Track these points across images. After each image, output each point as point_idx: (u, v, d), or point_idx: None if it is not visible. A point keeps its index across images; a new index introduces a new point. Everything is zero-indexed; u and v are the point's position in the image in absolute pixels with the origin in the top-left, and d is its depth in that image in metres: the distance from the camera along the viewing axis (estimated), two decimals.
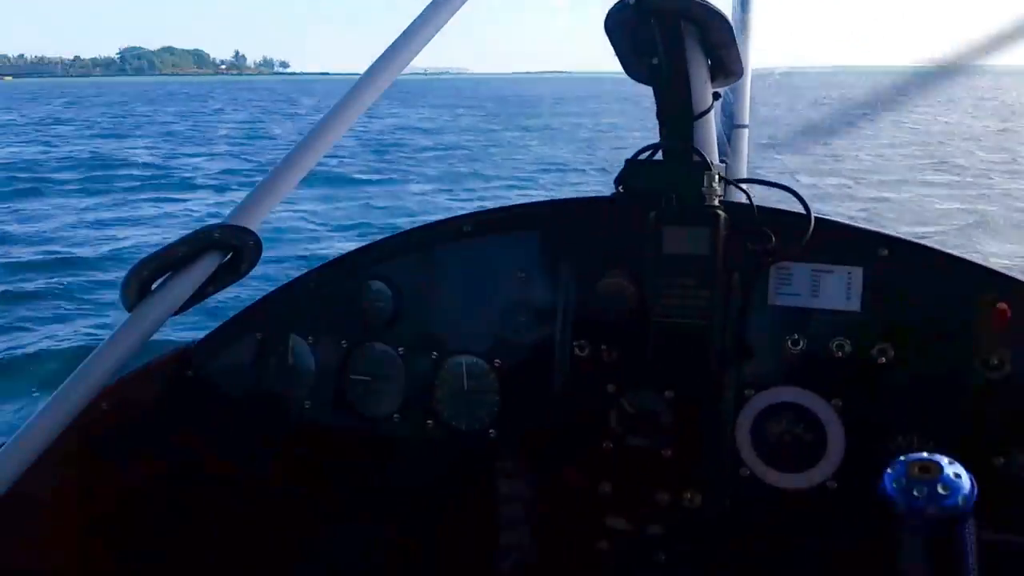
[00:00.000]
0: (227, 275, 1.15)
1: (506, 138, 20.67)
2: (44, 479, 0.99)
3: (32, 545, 1.10)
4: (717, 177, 1.04)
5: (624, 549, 1.08)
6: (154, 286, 1.10)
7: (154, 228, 9.48)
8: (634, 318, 1.07)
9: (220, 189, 12.87)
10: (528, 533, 1.32)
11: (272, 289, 1.30)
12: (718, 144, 1.26)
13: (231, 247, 1.09)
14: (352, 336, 1.24)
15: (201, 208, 11.07)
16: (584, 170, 13.34)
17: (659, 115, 1.12)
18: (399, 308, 1.21)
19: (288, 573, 1.29)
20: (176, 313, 1.11)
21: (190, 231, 1.11)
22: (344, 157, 15.00)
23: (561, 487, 1.11)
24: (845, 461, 0.99)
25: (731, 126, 1.57)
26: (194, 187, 13.16)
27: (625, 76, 1.13)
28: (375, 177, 13.39)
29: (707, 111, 1.09)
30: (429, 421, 1.20)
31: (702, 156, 1.04)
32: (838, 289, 1.00)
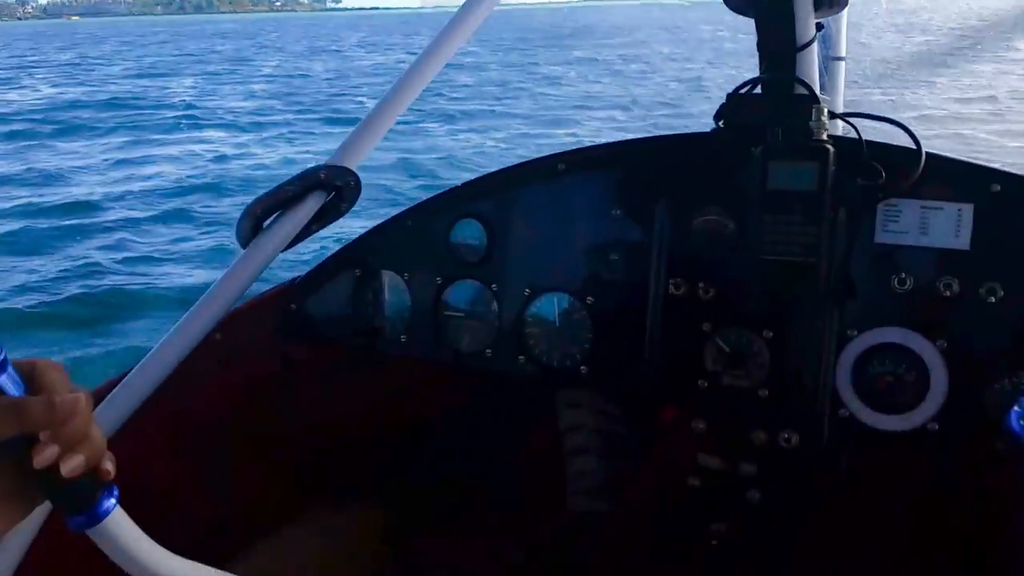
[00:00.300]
0: (330, 213, 1.19)
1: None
2: (167, 404, 1.06)
3: (156, 464, 1.17)
4: (824, 110, 1.01)
5: (716, 487, 1.08)
6: (266, 223, 1.14)
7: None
8: (733, 256, 1.06)
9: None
10: (618, 468, 1.35)
11: (369, 227, 1.33)
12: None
13: (334, 187, 1.12)
14: (446, 272, 1.26)
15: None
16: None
17: (760, 47, 1.09)
18: (492, 245, 1.22)
19: (382, 501, 1.34)
20: (285, 249, 1.17)
21: (298, 171, 1.14)
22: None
23: (653, 424, 1.12)
24: (947, 403, 0.97)
25: (828, 58, 1.52)
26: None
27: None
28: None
29: (810, 42, 1.06)
30: (520, 357, 1.22)
31: (808, 88, 1.00)
32: (947, 226, 0.97)
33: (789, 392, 1.05)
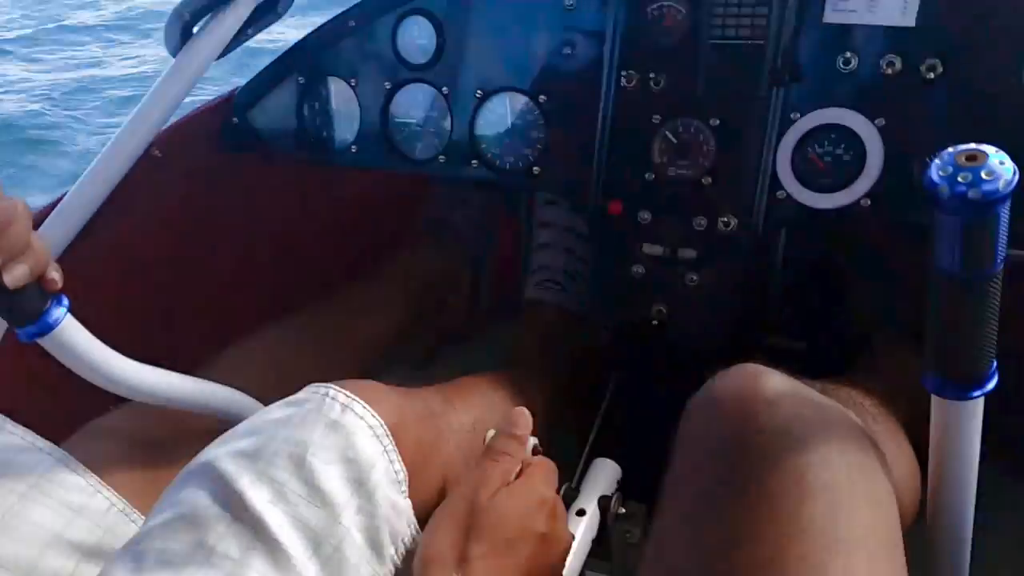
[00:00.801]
0: (266, 15, 1.14)
1: None
2: (108, 224, 1.06)
3: (104, 285, 1.18)
4: None
5: (659, 272, 1.13)
6: (195, 29, 1.10)
7: None
8: (685, 43, 1.05)
9: None
10: (566, 258, 1.40)
11: (310, 31, 1.28)
12: None
13: None
14: (394, 77, 1.23)
15: None
16: None
17: None
18: (442, 45, 1.19)
19: (341, 308, 1.38)
20: (218, 57, 1.13)
21: None
22: None
23: (602, 216, 1.15)
24: (880, 180, 1.00)
25: None
26: None
27: None
28: None
29: None
30: (474, 161, 1.22)
31: None
32: (895, 2, 0.97)
33: (731, 178, 1.07)
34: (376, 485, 0.69)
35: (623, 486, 0.95)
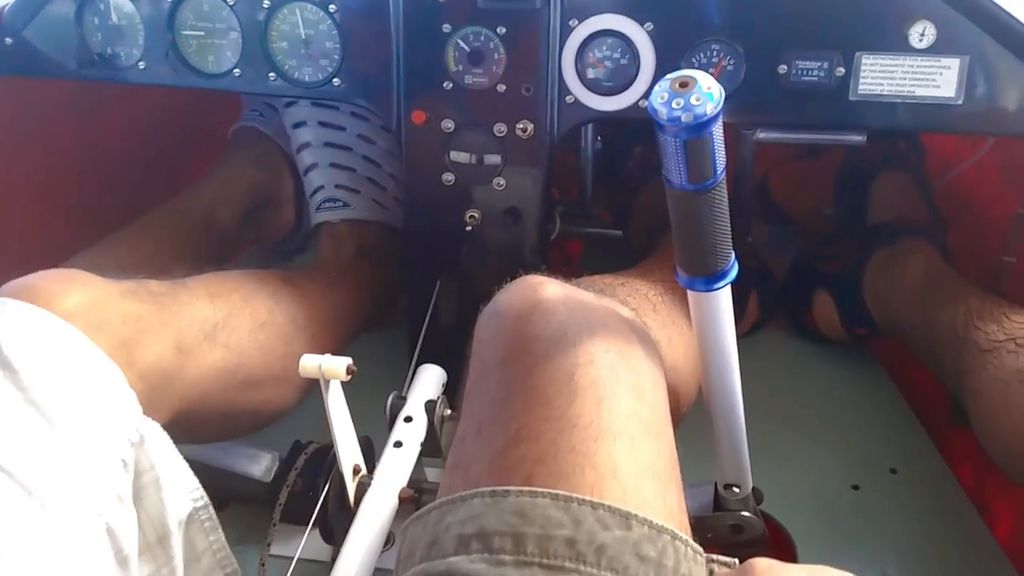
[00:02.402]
0: None
1: None
2: None
3: None
4: None
5: (468, 178, 1.17)
6: None
7: None
8: None
9: None
10: (335, 173, 1.43)
11: None
12: None
13: None
14: None
15: None
16: None
17: None
18: None
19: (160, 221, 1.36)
20: None
21: None
22: None
23: (408, 128, 1.16)
24: (654, 80, 1.06)
25: None
26: None
27: None
28: None
29: None
30: (271, 75, 1.20)
31: None
32: None
33: (523, 85, 1.11)
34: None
35: (448, 388, 1.01)
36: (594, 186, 1.50)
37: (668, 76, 0.59)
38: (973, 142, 1.38)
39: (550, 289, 0.72)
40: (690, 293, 0.72)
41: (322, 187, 1.44)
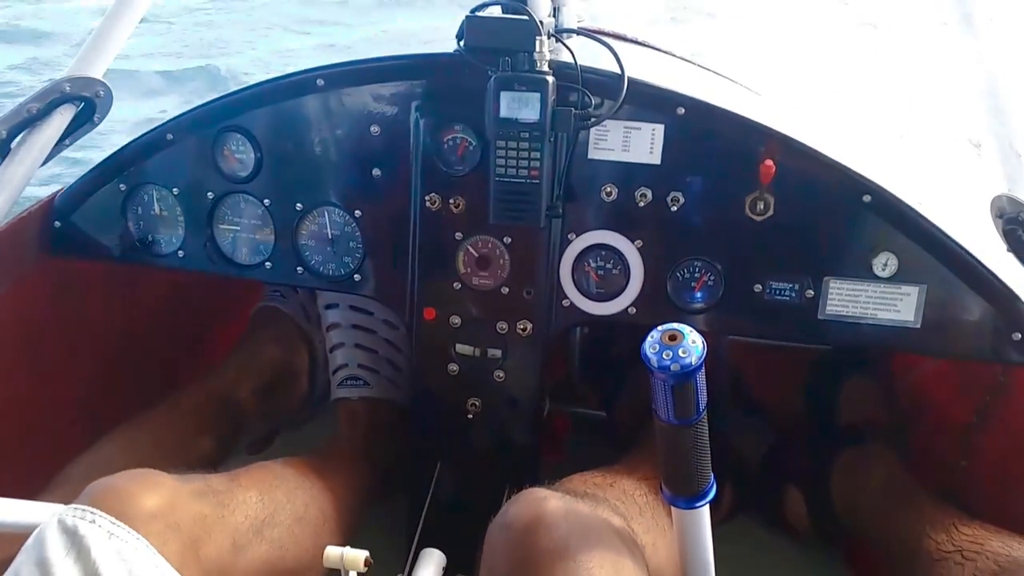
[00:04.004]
0: (82, 125, 1.21)
1: None
2: None
3: None
4: (546, 37, 1.10)
5: (470, 369, 1.27)
6: (13, 144, 1.15)
7: None
8: (476, 172, 1.19)
9: None
10: (359, 354, 1.54)
11: (128, 141, 1.34)
12: None
13: (82, 98, 1.14)
14: (217, 187, 1.31)
15: None
16: None
17: None
18: (260, 160, 1.28)
19: (178, 407, 1.44)
20: (40, 166, 1.18)
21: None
22: None
23: (419, 321, 1.28)
24: (642, 291, 1.20)
25: None
26: None
27: None
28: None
29: None
30: (299, 268, 1.32)
31: (529, 15, 1.09)
32: (643, 144, 1.15)
33: (524, 289, 1.24)
34: None
35: (448, 571, 1.07)
36: (581, 368, 1.61)
37: (660, 328, 0.72)
38: None
39: (552, 505, 0.82)
40: (674, 508, 0.81)
41: (345, 365, 1.54)
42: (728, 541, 1.39)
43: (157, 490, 0.88)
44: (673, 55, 1.73)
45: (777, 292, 1.17)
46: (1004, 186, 1.09)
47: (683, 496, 0.79)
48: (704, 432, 0.75)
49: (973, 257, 1.12)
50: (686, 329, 0.71)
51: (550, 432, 1.62)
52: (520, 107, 1.11)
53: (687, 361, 0.70)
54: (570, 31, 1.21)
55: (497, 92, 1.11)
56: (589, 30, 1.26)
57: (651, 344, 0.72)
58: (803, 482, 1.46)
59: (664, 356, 0.70)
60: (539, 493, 0.84)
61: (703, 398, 0.73)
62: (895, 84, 6.68)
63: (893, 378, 1.57)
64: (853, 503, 1.35)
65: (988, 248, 1.14)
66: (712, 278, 1.18)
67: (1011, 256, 1.11)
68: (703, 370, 0.72)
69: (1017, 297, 1.12)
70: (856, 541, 1.41)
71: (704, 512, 0.81)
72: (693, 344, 0.71)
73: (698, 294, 1.19)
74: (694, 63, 1.76)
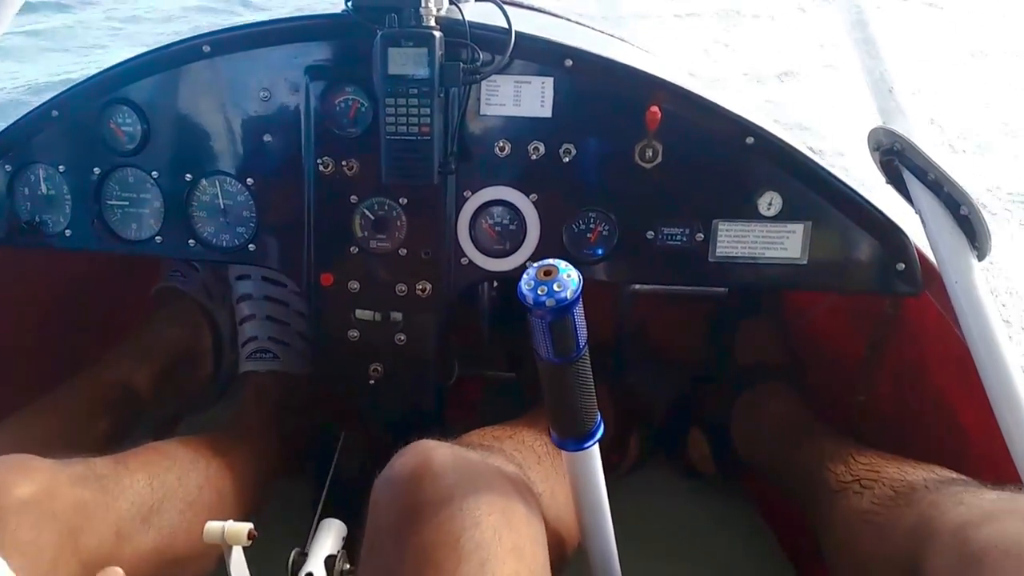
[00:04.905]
0: None
1: None
2: None
3: None
4: None
5: (371, 334, 1.27)
6: None
7: None
8: (371, 134, 1.18)
9: None
10: (271, 326, 1.51)
11: (12, 121, 1.29)
12: None
13: None
14: (103, 163, 1.27)
15: None
16: None
17: None
18: (147, 131, 1.24)
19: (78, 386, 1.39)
20: None
21: None
22: None
23: (316, 289, 1.26)
24: (539, 246, 1.21)
25: None
26: None
27: None
28: None
29: None
30: (191, 241, 1.29)
31: None
32: (534, 97, 1.16)
33: (422, 249, 1.23)
34: None
35: (349, 541, 1.05)
36: (490, 332, 1.62)
37: (534, 264, 0.72)
38: None
39: (440, 453, 0.80)
40: (564, 452, 0.82)
41: (255, 338, 1.52)
42: (636, 490, 1.44)
43: (31, 476, 0.83)
44: (569, 20, 1.74)
45: (669, 237, 1.20)
46: (879, 119, 1.11)
47: (571, 437, 0.79)
48: (586, 370, 0.75)
49: (854, 191, 1.17)
50: (562, 264, 0.71)
51: (461, 397, 1.64)
52: (408, 63, 1.11)
53: (562, 295, 0.70)
54: None
55: (384, 49, 1.10)
56: None
57: (526, 281, 0.71)
58: (706, 426, 1.51)
59: (539, 292, 0.70)
60: (427, 444, 0.82)
61: (583, 334, 0.73)
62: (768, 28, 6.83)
63: (788, 318, 1.64)
64: (752, 441, 1.41)
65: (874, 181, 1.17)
66: (607, 228, 1.20)
67: (891, 187, 1.14)
68: (580, 305, 0.72)
69: (898, 228, 1.17)
70: (759, 479, 1.47)
71: (593, 453, 0.82)
72: (568, 278, 0.70)
73: (594, 244, 1.21)
74: (590, 27, 1.78)
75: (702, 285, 1.27)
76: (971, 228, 1.04)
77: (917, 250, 1.17)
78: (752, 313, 1.62)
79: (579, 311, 0.72)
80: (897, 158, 1.08)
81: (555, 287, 0.70)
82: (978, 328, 1.01)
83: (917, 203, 1.08)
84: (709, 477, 1.52)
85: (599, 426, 0.80)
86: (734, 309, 1.61)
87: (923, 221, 1.09)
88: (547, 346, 0.73)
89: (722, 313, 1.64)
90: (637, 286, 1.45)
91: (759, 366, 1.51)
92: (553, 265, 0.71)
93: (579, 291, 0.71)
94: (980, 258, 1.06)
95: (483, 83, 1.16)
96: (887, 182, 1.14)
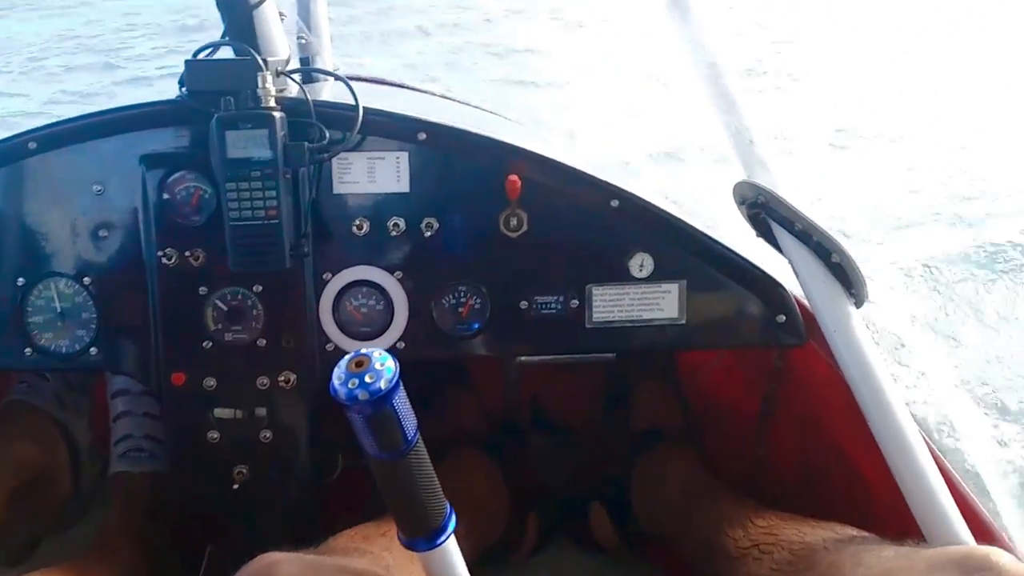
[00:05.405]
0: None
1: None
2: None
3: None
4: (274, 73, 1.08)
5: (233, 434, 1.17)
6: None
7: None
8: (213, 221, 1.11)
9: None
10: (148, 423, 1.40)
11: None
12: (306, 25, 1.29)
13: None
14: None
15: None
16: None
17: (218, 7, 1.13)
18: None
19: None
20: None
21: None
22: None
23: (167, 389, 1.16)
24: (408, 324, 1.16)
25: (312, 14, 1.56)
26: None
27: None
28: None
29: (261, 2, 1.12)
30: (27, 350, 1.18)
31: (252, 53, 1.06)
32: (389, 173, 1.12)
33: (283, 338, 1.15)
34: None
35: None
36: None
37: (346, 356, 0.65)
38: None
39: (284, 569, 0.72)
40: (418, 555, 0.74)
41: (129, 436, 1.40)
42: (538, 573, 1.36)
43: None
44: (434, 94, 1.73)
45: (543, 306, 1.16)
46: (742, 172, 1.10)
47: (419, 536, 0.71)
48: (423, 461, 0.68)
49: (725, 247, 1.16)
50: (375, 352, 0.64)
51: (352, 490, 1.53)
52: (248, 145, 1.05)
53: (376, 386, 0.62)
54: (316, 71, 1.19)
55: (222, 132, 1.05)
56: (338, 74, 1.21)
57: (337, 375, 0.64)
58: (607, 497, 1.45)
59: (351, 385, 0.63)
60: (272, 558, 0.74)
61: (409, 424, 0.66)
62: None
63: (683, 378, 1.61)
64: (654, 510, 1.35)
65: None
66: (478, 301, 1.15)
67: (762, 240, 1.13)
68: (401, 394, 0.65)
69: (774, 280, 1.16)
70: (664, 549, 1.41)
71: (448, 548, 0.73)
72: (382, 367, 0.63)
73: (467, 319, 1.16)
74: (452, 99, 1.76)
75: (584, 352, 1.23)
76: (844, 275, 1.03)
77: (797, 300, 1.16)
78: (645, 376, 1.58)
79: (400, 400, 0.65)
80: (763, 211, 1.08)
81: (367, 378, 0.63)
82: (861, 376, 0.99)
83: (788, 254, 1.07)
84: (614, 551, 1.45)
85: (450, 517, 0.72)
86: (625, 374, 1.58)
87: (796, 272, 1.07)
88: (371, 442, 0.65)
89: (613, 378, 1.60)
90: (523, 358, 1.39)
91: (655, 429, 1.47)
92: (365, 355, 0.64)
93: (395, 380, 0.64)
94: (858, 305, 1.05)
95: (334, 161, 1.11)
96: (756, 235, 1.14)
